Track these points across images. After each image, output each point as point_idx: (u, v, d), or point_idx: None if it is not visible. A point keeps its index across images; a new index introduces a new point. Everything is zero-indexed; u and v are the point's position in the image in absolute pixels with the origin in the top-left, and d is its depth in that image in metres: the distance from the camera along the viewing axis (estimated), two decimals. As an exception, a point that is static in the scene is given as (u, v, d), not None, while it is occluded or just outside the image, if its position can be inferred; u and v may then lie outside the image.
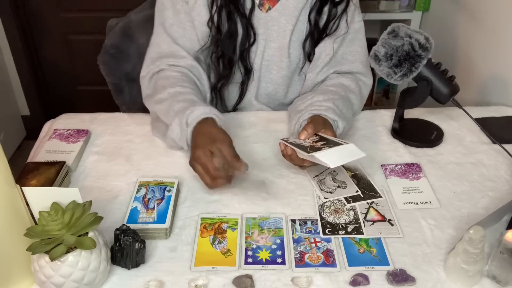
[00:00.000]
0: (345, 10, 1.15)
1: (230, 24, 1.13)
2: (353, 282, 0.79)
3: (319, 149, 0.90)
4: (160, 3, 1.17)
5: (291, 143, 0.96)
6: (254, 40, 1.16)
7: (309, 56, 1.20)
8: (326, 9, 1.15)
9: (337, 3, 1.15)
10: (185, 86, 1.10)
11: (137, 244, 0.80)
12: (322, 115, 1.04)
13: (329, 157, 0.87)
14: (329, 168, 1.04)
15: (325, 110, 1.05)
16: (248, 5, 1.13)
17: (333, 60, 1.19)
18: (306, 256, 0.84)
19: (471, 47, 1.61)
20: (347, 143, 0.91)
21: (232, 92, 1.25)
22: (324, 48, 1.18)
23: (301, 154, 0.93)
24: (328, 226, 0.90)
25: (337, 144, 0.91)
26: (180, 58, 1.15)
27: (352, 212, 0.93)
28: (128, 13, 1.41)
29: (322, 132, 0.98)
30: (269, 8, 1.14)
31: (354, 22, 1.19)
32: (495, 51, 1.45)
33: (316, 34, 1.17)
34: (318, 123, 1.00)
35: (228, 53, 1.15)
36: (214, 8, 1.12)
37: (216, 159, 0.91)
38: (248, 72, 1.20)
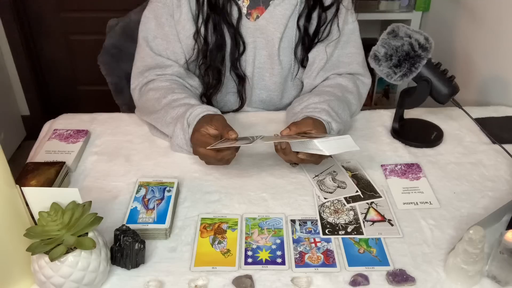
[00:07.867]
0: (335, 15, 1.15)
1: (217, 35, 1.13)
2: (353, 282, 0.79)
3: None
4: (143, 16, 1.17)
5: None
6: (244, 49, 1.16)
7: (302, 62, 1.20)
8: (315, 15, 1.15)
9: (326, 8, 1.14)
10: (177, 92, 1.11)
11: (137, 244, 0.80)
12: (315, 117, 1.04)
13: (326, 145, 0.91)
14: (329, 168, 1.04)
15: (319, 112, 1.05)
16: (235, 14, 1.13)
17: (329, 63, 1.19)
18: (306, 256, 0.84)
19: (471, 47, 1.61)
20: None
21: (228, 101, 1.25)
22: (318, 53, 1.18)
23: (296, 144, 0.94)
24: (328, 226, 0.90)
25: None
26: (167, 67, 1.15)
27: (352, 212, 0.93)
28: (128, 13, 1.41)
29: (314, 133, 0.98)
30: (257, 17, 1.14)
31: (348, 23, 1.18)
32: (495, 51, 1.45)
33: (307, 40, 1.17)
34: (306, 124, 1.00)
35: (216, 64, 1.15)
36: (200, 20, 1.12)
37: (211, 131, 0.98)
38: (242, 80, 1.20)
